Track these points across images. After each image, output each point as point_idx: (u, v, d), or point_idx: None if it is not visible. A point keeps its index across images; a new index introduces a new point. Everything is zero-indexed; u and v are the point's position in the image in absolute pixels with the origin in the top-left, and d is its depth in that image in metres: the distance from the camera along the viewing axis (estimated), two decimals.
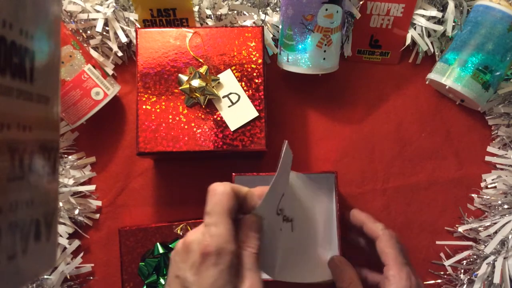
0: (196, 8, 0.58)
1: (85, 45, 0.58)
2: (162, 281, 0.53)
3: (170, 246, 0.53)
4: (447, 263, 0.58)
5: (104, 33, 0.58)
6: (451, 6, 0.58)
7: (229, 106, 0.52)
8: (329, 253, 0.51)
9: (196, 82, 0.51)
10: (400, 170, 0.60)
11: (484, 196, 0.59)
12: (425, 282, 0.58)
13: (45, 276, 0.54)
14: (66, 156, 0.59)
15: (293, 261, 0.48)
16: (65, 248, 0.56)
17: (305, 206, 0.51)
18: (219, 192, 0.40)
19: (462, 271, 0.57)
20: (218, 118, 0.52)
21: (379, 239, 0.47)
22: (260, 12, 0.59)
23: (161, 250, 0.53)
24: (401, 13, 0.59)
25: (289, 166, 0.46)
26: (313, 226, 0.51)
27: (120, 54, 0.59)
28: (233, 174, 0.53)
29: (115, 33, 0.58)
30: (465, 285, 0.56)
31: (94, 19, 0.57)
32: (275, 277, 0.44)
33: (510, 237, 0.53)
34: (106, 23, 0.57)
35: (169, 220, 0.57)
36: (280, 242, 0.45)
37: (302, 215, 0.50)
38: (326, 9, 0.52)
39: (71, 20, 0.57)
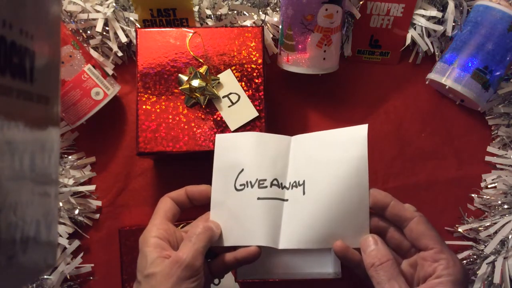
0: (196, 8, 0.58)
1: (85, 45, 0.58)
2: None
3: None
4: None
5: (104, 33, 0.58)
6: (451, 6, 0.58)
7: (229, 106, 0.52)
8: (358, 217, 0.44)
9: (196, 82, 0.51)
10: (400, 170, 0.60)
11: (484, 196, 0.59)
12: None
13: (45, 276, 0.54)
14: (66, 156, 0.59)
15: (305, 225, 0.44)
16: (65, 248, 0.56)
17: (323, 167, 0.45)
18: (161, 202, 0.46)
19: None
20: (218, 118, 0.52)
21: (417, 221, 0.41)
22: (260, 12, 0.59)
23: None
24: (401, 13, 0.59)
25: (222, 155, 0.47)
26: (336, 187, 0.44)
27: (120, 54, 0.59)
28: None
29: (115, 33, 0.58)
30: None
31: (94, 19, 0.57)
32: (279, 247, 0.44)
33: (510, 237, 0.53)
34: (106, 23, 0.57)
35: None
36: (283, 210, 0.45)
37: (319, 176, 0.45)
38: (326, 9, 0.52)
39: (71, 20, 0.57)
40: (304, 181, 0.45)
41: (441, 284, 0.38)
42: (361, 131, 0.45)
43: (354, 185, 0.44)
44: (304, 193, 0.45)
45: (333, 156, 0.45)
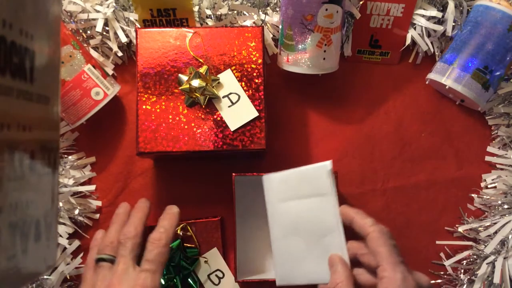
0: (196, 8, 0.58)
1: (85, 45, 0.58)
2: (162, 281, 0.53)
3: (170, 246, 0.53)
4: (447, 263, 0.58)
5: (104, 33, 0.58)
6: (451, 6, 0.58)
7: (229, 106, 0.52)
8: (335, 247, 0.48)
9: (196, 82, 0.51)
10: (400, 170, 0.60)
11: (484, 196, 0.59)
12: None
13: (45, 276, 0.54)
14: (66, 156, 0.59)
15: (293, 263, 0.49)
16: (65, 248, 0.56)
17: (294, 207, 0.50)
18: (164, 244, 0.48)
19: (462, 271, 0.57)
20: (218, 118, 0.52)
21: (369, 237, 0.43)
22: (260, 12, 0.59)
23: None
24: (401, 13, 0.59)
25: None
26: (324, 226, 0.48)
27: (120, 54, 0.59)
28: (233, 174, 0.53)
29: (115, 33, 0.58)
30: (465, 285, 0.56)
31: (94, 19, 0.57)
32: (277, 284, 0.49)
33: (510, 237, 0.53)
34: (106, 23, 0.57)
35: None
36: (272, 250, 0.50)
37: (292, 216, 0.49)
38: (326, 9, 0.52)
39: (71, 20, 0.57)
40: (280, 222, 0.50)
41: None
42: (324, 168, 0.48)
43: (328, 220, 0.48)
44: (283, 234, 0.50)
45: (303, 196, 0.49)
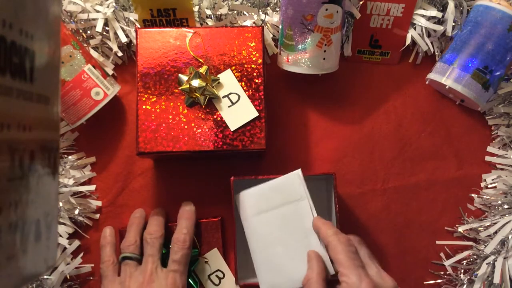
0: (196, 8, 0.58)
1: (85, 45, 0.58)
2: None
3: (170, 246, 0.53)
4: (447, 263, 0.58)
5: (104, 33, 0.58)
6: (451, 6, 0.58)
7: (229, 106, 0.52)
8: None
9: (196, 82, 0.51)
10: (400, 170, 0.60)
11: (484, 196, 0.59)
12: (425, 282, 0.58)
13: (45, 276, 0.54)
14: (66, 156, 0.59)
15: (275, 271, 0.51)
16: (65, 248, 0.56)
17: (270, 218, 0.52)
18: (188, 245, 0.51)
19: (462, 271, 0.57)
20: (218, 118, 0.52)
21: (329, 246, 0.46)
22: (260, 12, 0.59)
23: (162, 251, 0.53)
24: (401, 13, 0.59)
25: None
26: (303, 230, 0.50)
27: (120, 54, 0.59)
28: (231, 178, 0.52)
29: (115, 33, 0.58)
30: (465, 285, 0.56)
31: (94, 19, 0.57)
32: None
33: (510, 237, 0.53)
34: (106, 23, 0.57)
35: (169, 220, 0.57)
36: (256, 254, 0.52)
37: (270, 228, 0.51)
38: (326, 9, 0.52)
39: (71, 20, 0.57)
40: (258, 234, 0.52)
41: None
42: (295, 176, 0.51)
43: (305, 223, 0.50)
44: (262, 245, 0.51)
45: (277, 205, 0.51)
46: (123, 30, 0.58)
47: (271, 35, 0.60)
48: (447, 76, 0.56)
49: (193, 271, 0.56)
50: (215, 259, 0.57)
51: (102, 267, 0.51)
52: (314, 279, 0.44)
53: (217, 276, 0.57)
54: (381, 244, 0.59)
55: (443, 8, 0.59)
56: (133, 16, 0.58)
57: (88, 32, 0.59)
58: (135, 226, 0.53)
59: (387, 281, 0.44)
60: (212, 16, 0.59)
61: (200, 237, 0.57)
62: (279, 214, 0.51)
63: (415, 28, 0.60)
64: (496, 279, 0.52)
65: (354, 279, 0.42)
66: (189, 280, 0.55)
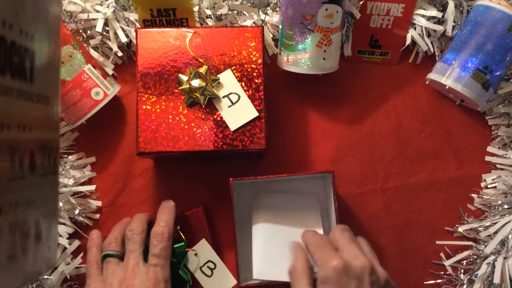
0: (196, 8, 0.58)
1: (85, 45, 0.58)
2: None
3: (176, 247, 0.54)
4: (447, 263, 0.58)
5: (104, 33, 0.58)
6: (451, 6, 0.58)
7: (229, 106, 0.52)
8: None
9: (196, 82, 0.51)
10: (400, 170, 0.60)
11: (484, 196, 0.59)
12: (425, 282, 0.58)
13: (45, 276, 0.54)
14: (66, 156, 0.59)
15: (271, 260, 0.53)
16: (65, 248, 0.56)
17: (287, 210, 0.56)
18: (167, 237, 0.50)
19: (462, 271, 0.57)
20: (218, 118, 0.52)
21: (306, 247, 0.49)
22: (260, 12, 0.59)
23: None
24: (401, 13, 0.59)
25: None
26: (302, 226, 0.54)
27: (120, 54, 0.59)
28: (230, 179, 0.52)
29: (115, 33, 0.58)
30: (465, 285, 0.56)
31: (94, 19, 0.57)
32: (254, 277, 0.52)
33: (510, 237, 0.53)
34: (106, 23, 0.57)
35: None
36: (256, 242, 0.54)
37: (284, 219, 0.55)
38: (326, 9, 0.52)
39: (71, 20, 0.57)
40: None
41: None
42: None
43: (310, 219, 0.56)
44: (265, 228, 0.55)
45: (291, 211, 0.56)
46: (123, 30, 0.58)
47: (271, 35, 0.60)
48: (447, 76, 0.56)
49: (184, 265, 0.55)
50: (204, 250, 0.56)
51: (87, 267, 0.52)
52: (300, 268, 0.45)
53: (208, 267, 0.56)
54: (381, 244, 0.59)
55: (443, 8, 0.59)
56: (133, 16, 0.58)
57: (88, 32, 0.59)
58: (120, 225, 0.54)
59: (357, 261, 0.44)
60: (212, 16, 0.59)
61: (187, 230, 0.56)
62: (290, 217, 0.55)
63: (415, 28, 0.60)
64: (496, 279, 0.52)
65: (325, 257, 0.44)
66: (181, 274, 0.54)
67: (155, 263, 0.48)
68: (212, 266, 0.56)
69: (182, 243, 0.55)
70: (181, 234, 0.56)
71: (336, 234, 0.48)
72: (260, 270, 0.52)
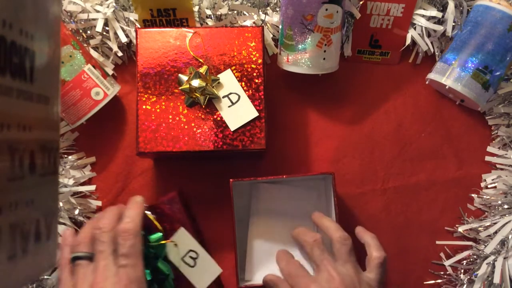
0: (196, 8, 0.58)
1: (85, 45, 0.58)
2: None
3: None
4: (447, 263, 0.58)
5: (104, 33, 0.58)
6: (451, 6, 0.58)
7: (229, 106, 0.52)
8: None
9: (196, 82, 0.51)
10: (400, 170, 0.60)
11: (484, 196, 0.59)
12: (425, 282, 0.58)
13: (45, 276, 0.54)
14: (66, 156, 0.59)
15: (266, 262, 0.54)
16: None
17: (284, 211, 0.56)
18: (134, 233, 0.46)
19: (462, 271, 0.57)
20: (218, 118, 0.52)
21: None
22: (260, 12, 0.59)
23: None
24: (401, 13, 0.59)
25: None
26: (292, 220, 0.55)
27: (120, 54, 0.59)
28: (230, 180, 0.52)
29: (115, 33, 0.58)
30: (465, 285, 0.56)
31: (94, 19, 0.57)
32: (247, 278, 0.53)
33: (510, 237, 0.53)
34: (106, 23, 0.57)
35: None
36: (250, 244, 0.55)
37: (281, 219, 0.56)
38: (326, 9, 0.52)
39: (71, 20, 0.57)
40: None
41: None
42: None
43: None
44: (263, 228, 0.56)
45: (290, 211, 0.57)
46: (123, 30, 0.58)
47: (271, 35, 0.60)
48: (447, 76, 0.56)
49: (165, 258, 0.51)
50: (183, 239, 0.52)
51: (58, 273, 0.47)
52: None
53: (190, 257, 0.52)
54: (381, 244, 0.59)
55: (443, 8, 0.59)
56: (133, 16, 0.58)
57: (88, 32, 0.59)
58: (90, 222, 0.49)
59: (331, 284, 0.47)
60: (212, 16, 0.59)
61: (164, 219, 0.52)
62: (288, 219, 0.55)
63: (415, 28, 0.60)
64: (496, 279, 0.52)
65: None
66: (160, 267, 0.51)
67: (124, 263, 0.45)
68: (194, 255, 0.52)
69: (159, 234, 0.51)
70: (157, 223, 0.52)
71: (315, 253, 0.49)
72: (253, 272, 0.53)
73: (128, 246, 0.45)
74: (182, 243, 0.52)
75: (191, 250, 0.52)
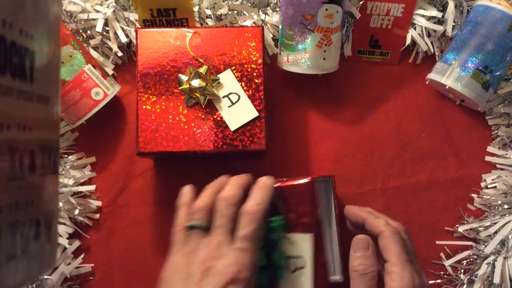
0: (196, 8, 0.58)
1: (85, 45, 0.58)
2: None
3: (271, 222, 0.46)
4: (447, 263, 0.58)
5: (104, 33, 0.58)
6: (451, 6, 0.58)
7: (229, 106, 0.52)
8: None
9: (196, 82, 0.51)
10: (400, 170, 0.60)
11: (484, 196, 0.59)
12: None
13: (45, 276, 0.54)
14: (66, 156, 0.59)
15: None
16: (65, 248, 0.56)
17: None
18: (260, 218, 0.42)
19: (462, 271, 0.57)
20: (218, 118, 0.52)
21: (382, 236, 0.44)
22: (260, 12, 0.59)
23: None
24: (401, 13, 0.59)
25: None
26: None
27: (120, 54, 0.59)
28: None
29: (115, 33, 0.58)
30: (465, 285, 0.56)
31: (94, 19, 0.57)
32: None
33: (510, 237, 0.53)
34: (106, 23, 0.57)
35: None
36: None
37: None
38: (326, 9, 0.52)
39: (71, 20, 0.57)
40: None
41: None
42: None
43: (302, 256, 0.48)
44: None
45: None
46: (123, 30, 0.58)
47: (271, 35, 0.60)
48: (447, 76, 0.56)
49: (278, 247, 0.46)
50: (302, 244, 0.47)
51: (173, 233, 0.45)
52: (374, 274, 0.43)
53: (296, 263, 0.48)
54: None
55: (443, 8, 0.59)
56: (133, 16, 0.58)
57: (88, 32, 0.59)
58: (212, 189, 0.46)
59: (425, 278, 0.44)
60: (212, 16, 0.59)
61: (286, 205, 0.48)
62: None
63: (415, 28, 0.60)
64: (496, 279, 0.52)
65: (407, 275, 0.41)
66: (274, 254, 0.46)
67: (243, 246, 0.41)
68: (299, 264, 0.47)
69: (280, 218, 0.47)
70: (280, 207, 0.48)
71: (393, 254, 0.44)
72: None
73: (251, 230, 0.42)
74: (299, 248, 0.47)
75: (300, 257, 0.48)
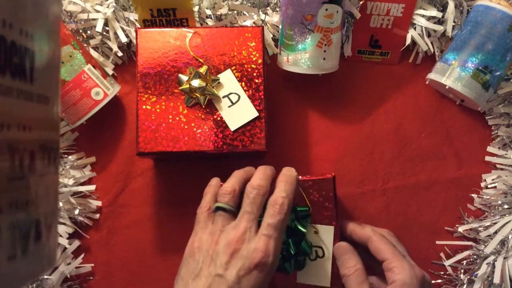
0: (196, 8, 0.58)
1: (85, 45, 0.58)
2: None
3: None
4: (447, 263, 0.58)
5: (104, 33, 0.58)
6: (451, 6, 0.58)
7: (229, 106, 0.52)
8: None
9: (196, 82, 0.51)
10: (400, 170, 0.60)
11: (484, 196, 0.59)
12: None
13: (45, 276, 0.54)
14: (66, 156, 0.59)
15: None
16: (65, 248, 0.56)
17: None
18: (286, 209, 0.45)
19: (462, 271, 0.57)
20: (218, 118, 0.52)
21: (370, 240, 0.48)
22: (260, 12, 0.59)
23: None
24: (401, 13, 0.59)
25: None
26: None
27: (120, 54, 0.59)
28: None
29: (115, 33, 0.58)
30: (465, 285, 0.56)
31: (94, 19, 0.57)
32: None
33: (510, 237, 0.53)
34: (106, 23, 0.57)
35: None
36: None
37: None
38: (326, 9, 0.52)
39: (71, 20, 0.57)
40: None
41: None
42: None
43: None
44: None
45: None
46: (123, 30, 0.58)
47: (271, 35, 0.60)
48: (447, 76, 0.56)
49: (306, 236, 0.49)
50: (324, 235, 0.50)
51: (198, 213, 0.48)
52: (360, 270, 0.46)
53: (316, 252, 0.51)
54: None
55: (443, 8, 0.59)
56: (133, 16, 0.58)
57: (88, 32, 0.59)
58: (240, 174, 0.49)
59: (426, 275, 0.46)
60: (212, 16, 0.59)
61: (311, 196, 0.50)
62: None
63: (415, 28, 0.60)
64: (496, 279, 0.52)
65: (407, 266, 0.44)
66: (303, 244, 0.49)
67: (269, 234, 0.43)
68: (320, 253, 0.50)
69: (307, 208, 0.50)
70: (305, 197, 0.50)
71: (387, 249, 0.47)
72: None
73: (277, 220, 0.44)
74: (320, 236, 0.50)
75: (320, 247, 0.51)
